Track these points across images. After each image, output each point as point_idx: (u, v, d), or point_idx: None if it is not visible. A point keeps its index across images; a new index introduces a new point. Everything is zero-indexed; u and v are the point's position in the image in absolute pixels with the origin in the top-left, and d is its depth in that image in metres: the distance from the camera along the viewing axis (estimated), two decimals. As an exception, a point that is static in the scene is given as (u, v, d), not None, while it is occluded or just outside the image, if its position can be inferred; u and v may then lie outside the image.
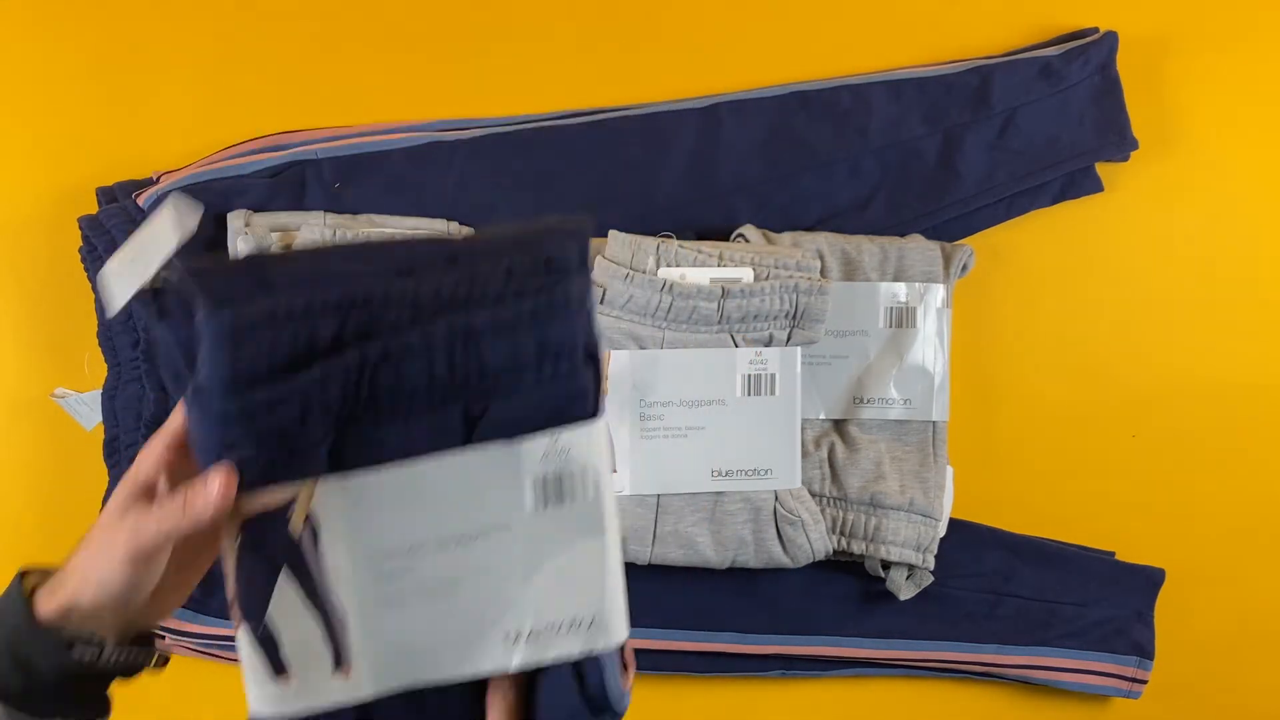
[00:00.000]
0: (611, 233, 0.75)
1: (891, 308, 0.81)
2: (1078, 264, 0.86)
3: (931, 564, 0.79)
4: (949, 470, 0.81)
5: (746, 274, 0.75)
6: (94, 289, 0.81)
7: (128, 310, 0.79)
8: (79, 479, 0.84)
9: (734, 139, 0.82)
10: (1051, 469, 0.86)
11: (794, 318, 0.76)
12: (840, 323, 0.80)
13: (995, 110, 0.82)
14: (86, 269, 0.80)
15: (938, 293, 0.81)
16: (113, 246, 0.78)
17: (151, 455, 0.45)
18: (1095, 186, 0.85)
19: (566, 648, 0.45)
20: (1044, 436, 0.86)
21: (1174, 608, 0.85)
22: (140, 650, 0.46)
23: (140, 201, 0.79)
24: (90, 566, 0.43)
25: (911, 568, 0.79)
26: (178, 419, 0.45)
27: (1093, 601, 0.83)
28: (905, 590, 0.79)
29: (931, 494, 0.79)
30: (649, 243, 0.75)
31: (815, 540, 0.77)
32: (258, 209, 0.79)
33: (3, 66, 0.85)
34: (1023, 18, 0.86)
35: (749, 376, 0.76)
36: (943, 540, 0.80)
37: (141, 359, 0.79)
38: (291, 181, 0.80)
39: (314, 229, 0.77)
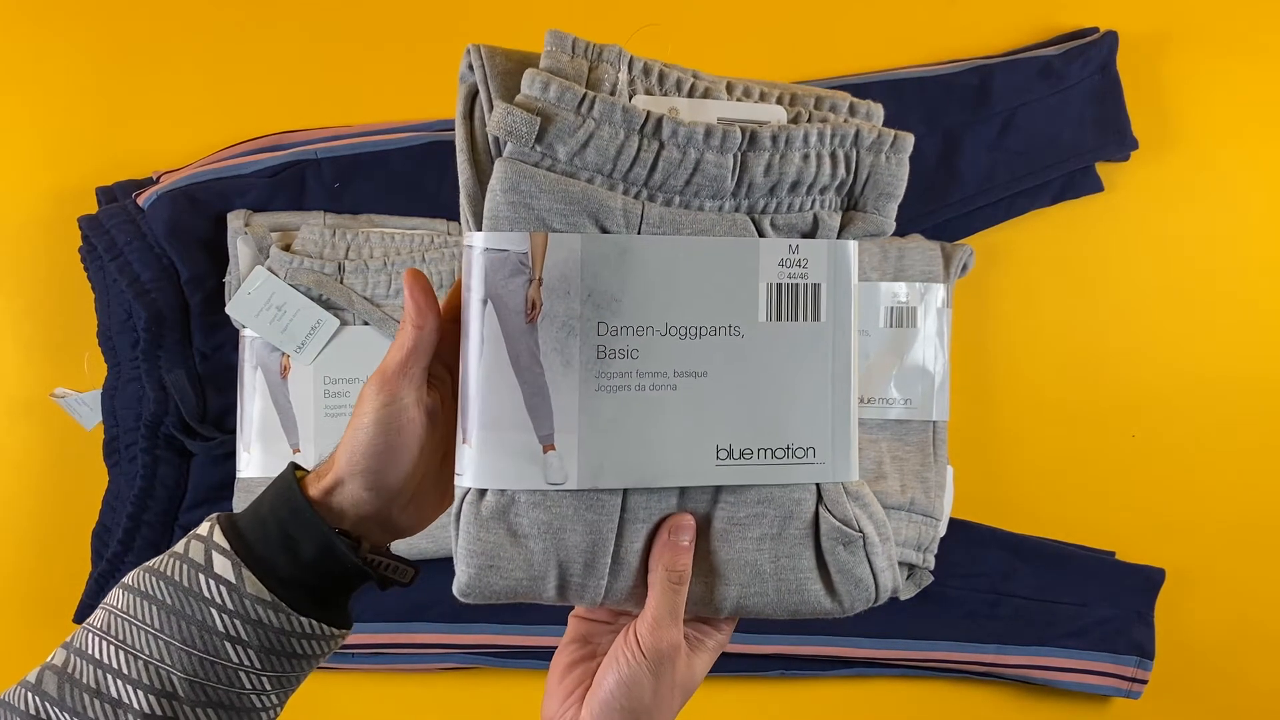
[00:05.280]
0: (550, 32, 0.47)
1: (892, 307, 0.81)
2: (1077, 264, 0.86)
3: (932, 564, 0.79)
4: (949, 470, 0.81)
5: (775, 114, 0.47)
6: (94, 289, 0.81)
7: (127, 309, 0.79)
8: (79, 479, 0.84)
9: (734, 138, 0.80)
10: (1051, 469, 0.86)
11: (851, 190, 0.48)
12: (840, 322, 0.80)
13: (995, 110, 0.82)
14: (86, 269, 0.80)
15: (938, 292, 0.81)
16: (112, 246, 0.78)
17: (393, 353, 0.47)
18: (1095, 186, 0.85)
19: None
20: (1044, 436, 0.86)
21: (1174, 608, 0.85)
22: (393, 558, 0.48)
23: (140, 201, 0.79)
24: (345, 440, 0.45)
25: (912, 567, 0.79)
26: (406, 328, 0.46)
27: (1093, 601, 0.83)
28: (905, 590, 0.79)
29: (932, 494, 0.79)
30: (611, 50, 0.46)
31: (882, 571, 0.49)
32: (258, 209, 0.79)
33: (3, 67, 0.85)
34: (1023, 18, 0.86)
35: (778, 288, 0.47)
36: (943, 540, 0.80)
37: (141, 359, 0.79)
38: (291, 181, 0.80)
39: (314, 229, 0.77)
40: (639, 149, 0.45)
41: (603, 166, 0.45)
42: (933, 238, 0.82)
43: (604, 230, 0.45)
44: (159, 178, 0.81)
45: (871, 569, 0.48)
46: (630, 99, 0.45)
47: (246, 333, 0.78)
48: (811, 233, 0.48)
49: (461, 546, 0.45)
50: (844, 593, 0.48)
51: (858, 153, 0.47)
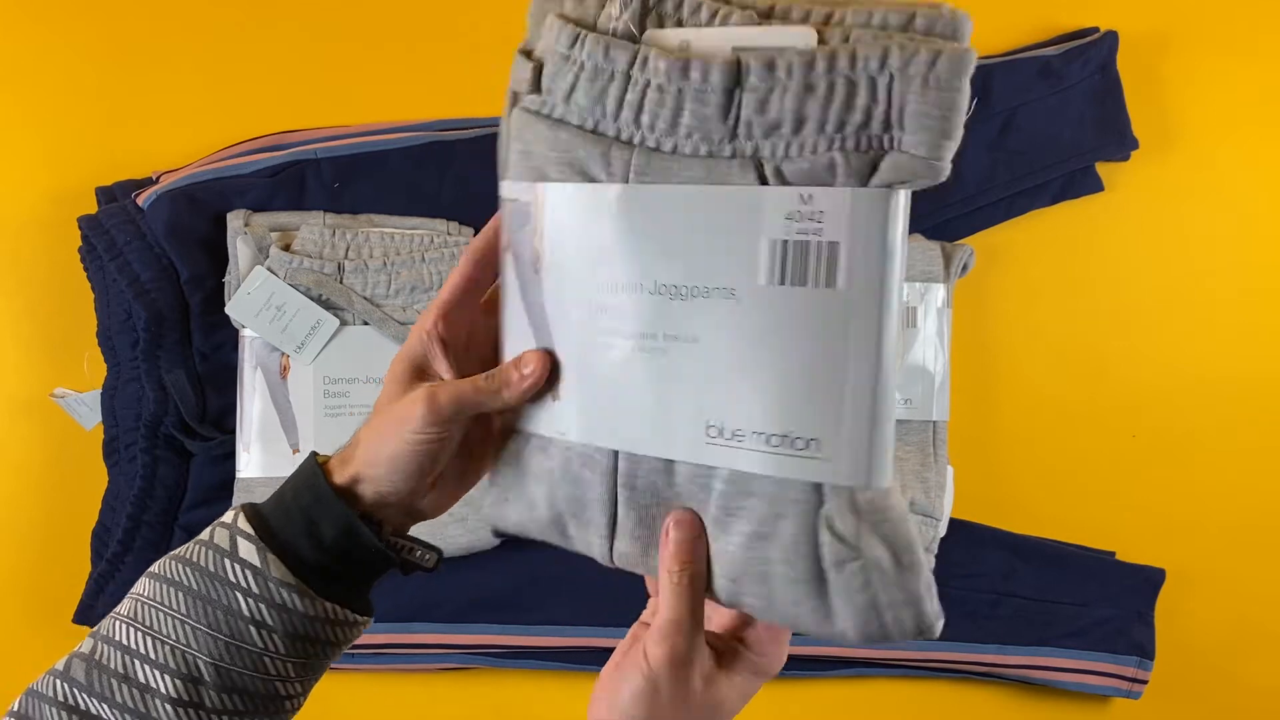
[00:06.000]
0: None
1: (891, 307, 0.80)
2: (1077, 264, 0.86)
3: (932, 564, 0.79)
4: (949, 470, 0.81)
5: (802, 38, 0.38)
6: (94, 289, 0.81)
7: (127, 309, 0.79)
8: (79, 479, 0.84)
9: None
10: (1052, 469, 0.86)
11: (886, 122, 0.37)
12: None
13: (995, 110, 0.82)
14: (86, 269, 0.80)
15: (938, 292, 0.81)
16: (112, 246, 0.78)
17: (420, 328, 0.46)
18: (1095, 186, 0.85)
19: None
20: (1044, 436, 0.86)
21: (1174, 608, 0.85)
22: (416, 543, 0.47)
23: (140, 201, 0.79)
24: (372, 442, 0.44)
25: (911, 568, 0.79)
26: (450, 284, 0.45)
27: (1093, 601, 0.83)
28: (905, 590, 0.79)
29: (932, 494, 0.79)
30: None
31: (889, 607, 0.38)
32: (257, 209, 0.79)
33: (2, 66, 0.85)
34: (1023, 18, 0.86)
35: (784, 245, 0.38)
36: (943, 540, 0.80)
37: (141, 359, 0.79)
38: (291, 181, 0.80)
39: (313, 229, 0.77)
40: (625, 89, 0.40)
41: (591, 109, 0.41)
42: (933, 238, 0.82)
43: (592, 179, 0.41)
44: (159, 178, 0.81)
45: (875, 604, 0.38)
46: (637, 28, 0.40)
47: (246, 333, 0.78)
48: (830, 180, 0.38)
49: (491, 475, 0.47)
50: (846, 621, 0.39)
51: (890, 77, 0.36)
